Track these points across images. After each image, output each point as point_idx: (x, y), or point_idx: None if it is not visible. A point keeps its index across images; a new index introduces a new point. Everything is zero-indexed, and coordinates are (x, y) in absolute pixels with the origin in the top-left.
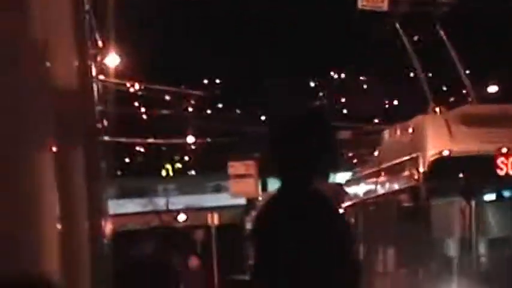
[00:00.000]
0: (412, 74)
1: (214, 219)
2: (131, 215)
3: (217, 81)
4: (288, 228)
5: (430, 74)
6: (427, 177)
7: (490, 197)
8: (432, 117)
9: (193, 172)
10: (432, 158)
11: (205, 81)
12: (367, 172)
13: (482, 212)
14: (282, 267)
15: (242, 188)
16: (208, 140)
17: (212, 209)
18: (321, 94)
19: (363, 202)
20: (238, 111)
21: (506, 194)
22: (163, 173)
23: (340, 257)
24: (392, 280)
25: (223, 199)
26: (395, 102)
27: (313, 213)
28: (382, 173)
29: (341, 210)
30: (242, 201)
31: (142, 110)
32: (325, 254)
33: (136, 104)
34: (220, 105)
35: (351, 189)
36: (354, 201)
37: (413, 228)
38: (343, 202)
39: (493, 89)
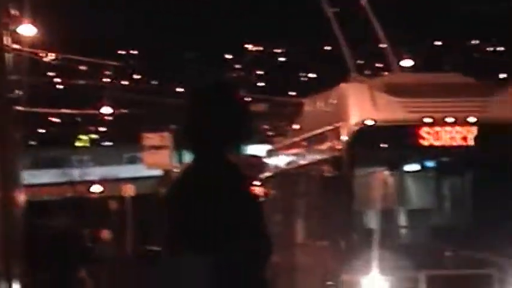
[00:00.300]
0: (329, 48)
1: (129, 190)
2: (46, 185)
3: (134, 52)
4: (199, 200)
5: (352, 46)
6: (350, 148)
7: (414, 167)
8: (355, 85)
9: (108, 143)
10: (355, 128)
11: (122, 52)
12: (288, 142)
13: (405, 183)
14: (192, 238)
15: (156, 159)
16: (124, 110)
17: (128, 180)
18: (236, 66)
19: (284, 173)
20: (154, 82)
21: (430, 164)
22: (78, 143)
23: (250, 229)
24: (312, 252)
25: (139, 170)
26: (312, 75)
27: (225, 185)
28: (304, 143)
29: (258, 182)
30: (158, 172)
31: (57, 80)
32: (235, 226)
33: (51, 74)
34: (136, 76)
35: (271, 160)
36: (274, 172)
37: (335, 199)
38: (259, 174)
39: (408, 63)
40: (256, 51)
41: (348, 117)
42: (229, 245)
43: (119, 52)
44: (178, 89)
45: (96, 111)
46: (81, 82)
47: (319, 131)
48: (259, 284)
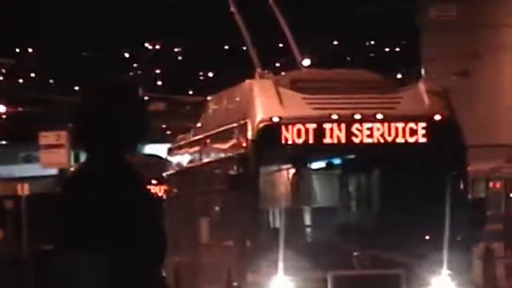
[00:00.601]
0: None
1: (25, 189)
2: None
3: (30, 50)
4: (93, 199)
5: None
6: (255, 145)
7: (320, 165)
8: (260, 81)
9: (3, 142)
10: (261, 125)
11: (18, 50)
12: (191, 140)
13: (311, 181)
14: (86, 237)
15: (53, 158)
16: (20, 109)
17: (23, 179)
18: (134, 65)
19: (187, 171)
20: (51, 80)
21: (337, 162)
22: None
23: (145, 228)
24: (216, 252)
25: (35, 169)
26: (210, 74)
27: (120, 184)
28: (208, 141)
29: (154, 181)
30: (54, 171)
31: None
32: (130, 225)
33: None
34: (32, 75)
35: (173, 158)
36: (176, 170)
37: (240, 198)
38: (156, 173)
39: (310, 61)
40: (155, 49)
41: (253, 114)
42: (123, 244)
43: (16, 50)
44: (75, 88)
45: None
46: None
47: (224, 128)
48: (155, 282)
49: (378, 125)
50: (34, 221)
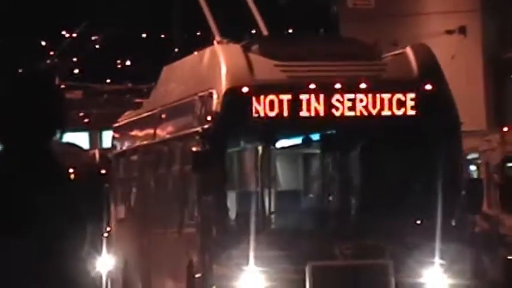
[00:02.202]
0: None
1: None
2: None
3: None
4: (9, 188)
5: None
6: (221, 118)
7: (296, 141)
8: (227, 46)
9: None
10: (228, 95)
11: None
12: (144, 115)
13: (286, 160)
14: (3, 224)
15: None
16: None
17: None
18: (51, 53)
19: (137, 150)
20: None
21: (315, 138)
22: None
23: (63, 214)
24: (175, 241)
25: None
26: (128, 63)
27: (38, 173)
28: (164, 115)
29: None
30: None
31: None
32: (49, 211)
33: None
34: None
35: (120, 137)
36: (123, 150)
37: (203, 180)
38: (74, 162)
39: None
40: (72, 37)
41: (218, 82)
42: (40, 230)
43: None
44: None
45: None
46: None
47: (184, 100)
48: (77, 267)
49: (360, 95)
50: None
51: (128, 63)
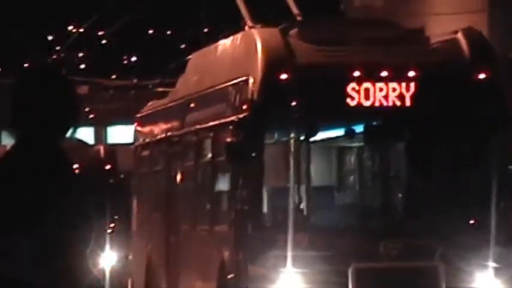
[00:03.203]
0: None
1: None
2: None
3: None
4: (23, 185)
5: None
6: (259, 107)
7: (341, 133)
8: (265, 30)
9: None
10: (267, 82)
11: None
12: (171, 104)
13: (330, 153)
14: (15, 219)
15: None
16: None
17: None
18: (58, 48)
19: (164, 141)
20: None
21: (361, 130)
22: None
23: (81, 220)
24: (205, 239)
25: None
26: (134, 58)
27: (51, 170)
28: (194, 104)
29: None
30: None
31: None
32: (59, 207)
33: None
34: None
35: (144, 127)
36: (148, 140)
37: (239, 174)
38: (80, 158)
39: None
40: (79, 32)
41: (255, 69)
42: (50, 225)
43: None
44: None
45: None
46: None
47: (217, 87)
48: (82, 261)
49: (409, 83)
50: None
51: (134, 58)
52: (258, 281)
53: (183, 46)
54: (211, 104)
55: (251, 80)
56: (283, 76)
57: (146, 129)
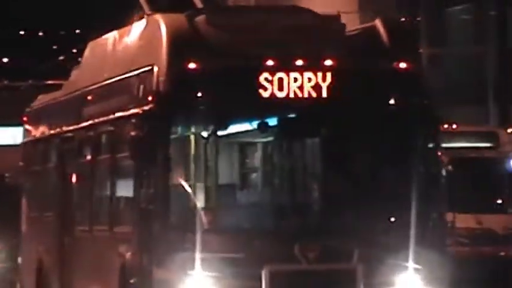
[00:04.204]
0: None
1: None
2: None
3: None
4: None
5: None
6: (165, 99)
7: (250, 126)
8: (171, 16)
9: None
10: (173, 72)
11: None
12: (65, 98)
13: (238, 147)
14: None
15: None
16: None
17: None
18: None
19: (57, 137)
20: None
21: (271, 122)
22: None
23: None
24: (102, 241)
25: None
26: (5, 60)
27: None
28: (91, 97)
29: None
30: None
31: None
32: None
33: None
34: None
35: (34, 122)
36: (38, 137)
37: (142, 171)
38: None
39: None
40: None
41: (161, 57)
42: None
43: None
44: None
45: None
46: None
47: (116, 79)
48: None
49: (325, 73)
50: None
51: (5, 60)
52: (163, 286)
53: (55, 47)
54: (112, 96)
55: (156, 69)
56: (191, 65)
57: (36, 124)
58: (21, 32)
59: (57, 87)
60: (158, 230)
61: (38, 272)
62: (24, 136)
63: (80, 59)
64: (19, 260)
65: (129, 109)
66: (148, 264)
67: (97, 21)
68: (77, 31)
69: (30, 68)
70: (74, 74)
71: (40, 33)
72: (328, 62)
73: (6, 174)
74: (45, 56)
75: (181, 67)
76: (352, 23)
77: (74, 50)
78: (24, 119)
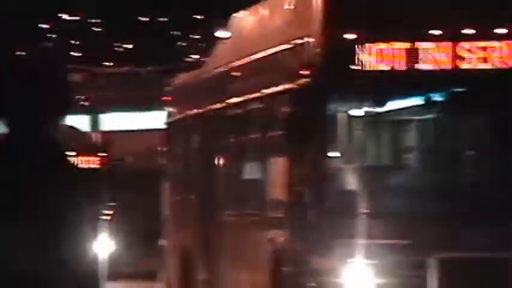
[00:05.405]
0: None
1: None
2: None
3: None
4: (13, 174)
5: None
6: (321, 73)
7: (414, 101)
8: None
9: None
10: (329, 44)
11: None
12: (209, 75)
13: (401, 125)
14: (9, 211)
15: None
16: None
17: None
18: (51, 36)
19: (203, 116)
20: None
21: (437, 97)
22: None
23: (75, 207)
24: (252, 228)
25: None
26: (129, 46)
27: (42, 158)
28: (237, 73)
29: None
30: None
31: None
32: (55, 197)
33: None
34: None
35: (176, 101)
36: (182, 115)
37: (296, 151)
38: (74, 145)
39: None
40: (72, 21)
41: (316, 28)
42: (46, 214)
43: None
44: None
45: None
46: None
47: (265, 53)
48: (76, 251)
49: (497, 43)
50: None
51: (128, 46)
52: (320, 274)
53: (176, 32)
54: (261, 71)
55: (310, 41)
56: (348, 36)
57: (179, 104)
58: (144, 18)
59: (179, 72)
60: (314, 215)
61: (182, 257)
62: (167, 117)
63: (200, 44)
64: (162, 244)
65: (280, 84)
66: (303, 251)
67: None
68: (198, 17)
69: (153, 54)
70: (218, 49)
71: (162, 19)
72: (501, 31)
73: (128, 159)
74: (167, 41)
75: (338, 38)
76: None
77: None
78: (165, 99)
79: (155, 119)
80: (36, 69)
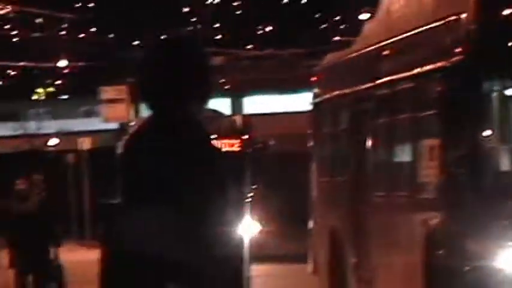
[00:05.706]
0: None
1: (86, 144)
2: (2, 138)
3: (91, 5)
4: (157, 153)
5: None
6: (476, 49)
7: None
8: None
9: (65, 96)
10: (484, 19)
11: (78, 5)
12: (357, 54)
13: None
14: (150, 191)
15: (113, 113)
16: (80, 64)
17: (84, 133)
18: (194, 20)
19: (356, 95)
20: (111, 35)
21: None
22: (35, 96)
23: (212, 182)
24: (410, 206)
25: (95, 123)
26: (269, 28)
27: (187, 141)
28: (387, 52)
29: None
30: (115, 125)
31: (14, 33)
32: (196, 179)
33: (7, 27)
34: (93, 29)
35: (326, 80)
36: (332, 95)
37: (452, 130)
38: (215, 128)
39: None
40: (214, 3)
41: (471, 4)
42: (190, 197)
43: (75, 5)
44: (135, 42)
45: (53, 65)
46: (38, 35)
47: (416, 31)
48: (220, 234)
49: None
50: (95, 175)
51: (269, 28)
52: (478, 258)
53: (317, 15)
54: (413, 50)
55: (465, 17)
56: (506, 11)
57: (327, 84)
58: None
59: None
60: (470, 196)
61: (331, 239)
62: (314, 97)
63: (341, 26)
64: (309, 226)
65: (433, 63)
66: (459, 234)
67: None
68: None
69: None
70: (367, 28)
71: (304, 1)
72: None
73: (271, 142)
74: (308, 24)
75: (495, 13)
76: None
77: (337, 18)
78: (313, 79)
79: (297, 101)
80: (180, 54)
